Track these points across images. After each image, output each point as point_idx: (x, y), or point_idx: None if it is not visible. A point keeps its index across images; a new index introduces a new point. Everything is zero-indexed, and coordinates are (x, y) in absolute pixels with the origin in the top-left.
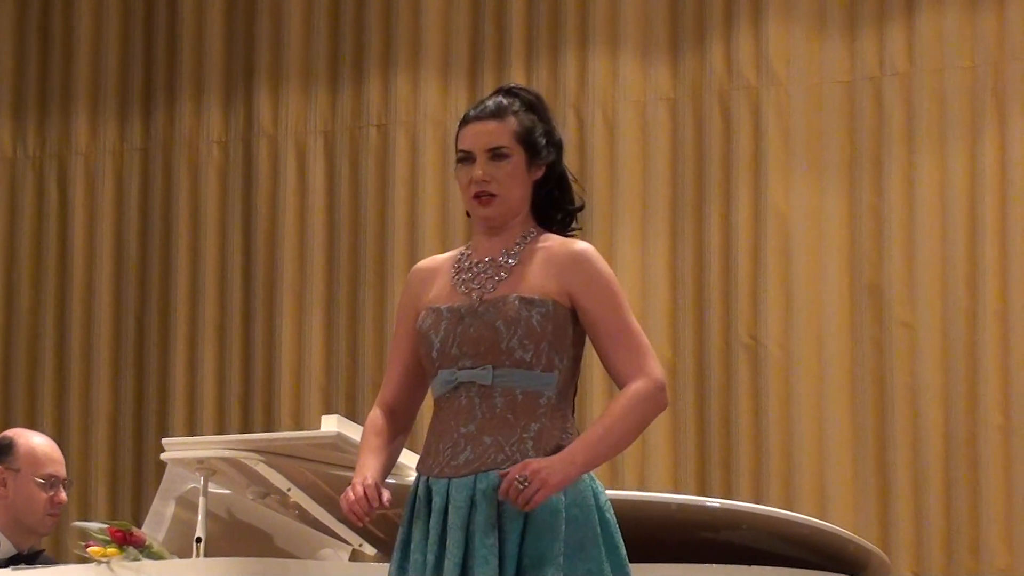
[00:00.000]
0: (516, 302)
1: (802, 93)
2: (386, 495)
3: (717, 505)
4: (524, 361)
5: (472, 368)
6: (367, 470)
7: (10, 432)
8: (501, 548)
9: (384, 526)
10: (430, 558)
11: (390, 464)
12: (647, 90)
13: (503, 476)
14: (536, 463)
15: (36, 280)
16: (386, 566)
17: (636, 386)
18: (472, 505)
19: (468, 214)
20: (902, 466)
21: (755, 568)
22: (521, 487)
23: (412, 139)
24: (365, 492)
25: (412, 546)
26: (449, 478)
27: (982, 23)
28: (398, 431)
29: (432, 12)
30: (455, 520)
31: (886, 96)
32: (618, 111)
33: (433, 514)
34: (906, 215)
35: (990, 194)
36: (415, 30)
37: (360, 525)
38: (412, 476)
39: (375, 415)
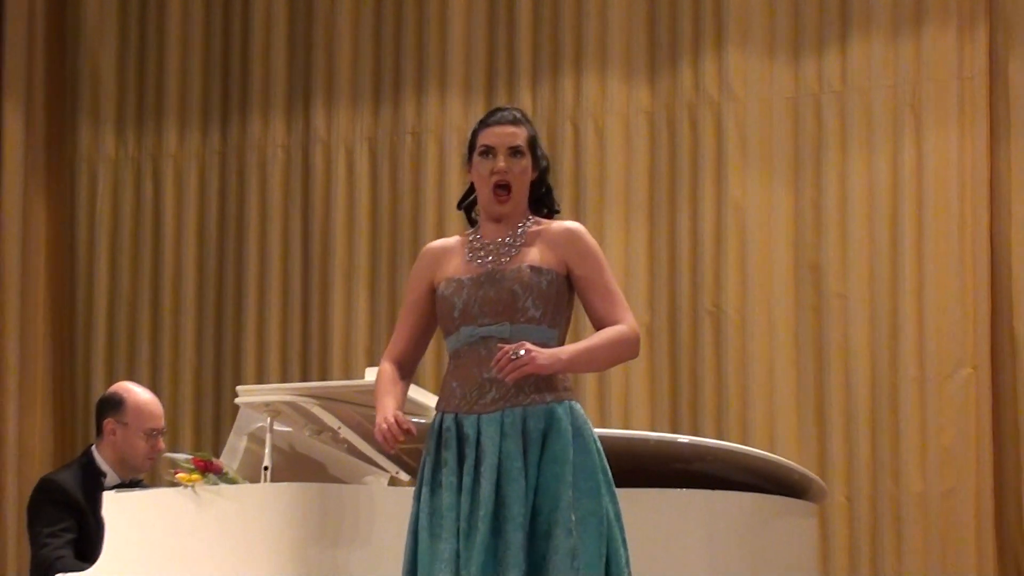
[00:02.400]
0: (528, 270)
1: (756, 107)
2: (412, 426)
3: (686, 441)
4: (535, 318)
5: (492, 324)
6: (388, 408)
7: (120, 389)
8: (526, 470)
9: (416, 457)
10: (466, 480)
11: (402, 403)
12: (630, 105)
13: (501, 348)
14: (530, 345)
15: (135, 260)
16: None
17: (622, 328)
18: (502, 435)
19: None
20: (836, 410)
21: (718, 492)
22: (514, 358)
23: (440, 145)
24: (396, 421)
25: (444, 470)
26: (479, 414)
27: (902, 50)
28: (404, 377)
29: (456, 41)
30: (489, 448)
31: (824, 110)
32: (606, 122)
33: (467, 444)
34: (840, 207)
35: (908, 190)
36: (442, 55)
37: (391, 450)
38: (431, 416)
39: (385, 367)
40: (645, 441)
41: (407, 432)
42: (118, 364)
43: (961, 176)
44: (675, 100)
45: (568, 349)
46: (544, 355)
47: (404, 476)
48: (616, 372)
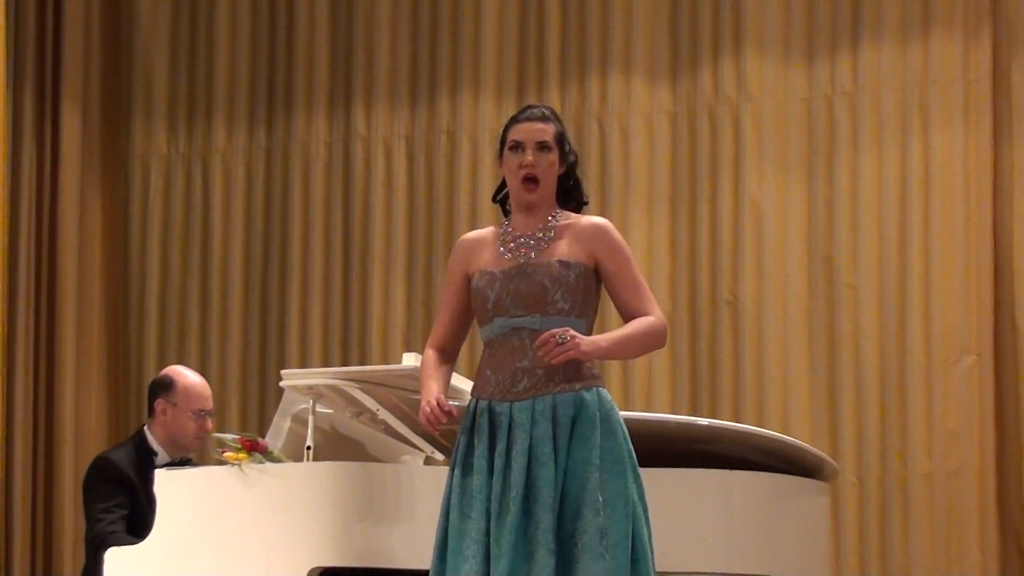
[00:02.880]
0: (557, 265)
1: (772, 108)
2: (451, 406)
3: (705, 423)
4: (564, 310)
5: (523, 316)
6: (432, 392)
7: (171, 372)
8: (555, 455)
9: (450, 438)
10: (498, 463)
11: (446, 387)
12: (653, 105)
13: (562, 331)
14: (574, 332)
15: (185, 250)
16: None
17: (653, 320)
18: (532, 422)
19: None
20: (847, 394)
21: (735, 472)
22: (559, 342)
23: (473, 143)
24: (439, 405)
25: (476, 453)
26: (511, 402)
27: (910, 55)
28: (446, 362)
29: (489, 44)
30: (520, 434)
31: (836, 110)
32: (631, 122)
33: (499, 430)
34: (851, 202)
35: (916, 186)
36: (475, 58)
37: (435, 432)
38: (461, 401)
39: (429, 353)
40: (666, 423)
41: (448, 414)
42: (168, 349)
43: (966, 173)
44: (695, 101)
45: (607, 337)
46: (586, 341)
47: (439, 456)
48: (640, 359)
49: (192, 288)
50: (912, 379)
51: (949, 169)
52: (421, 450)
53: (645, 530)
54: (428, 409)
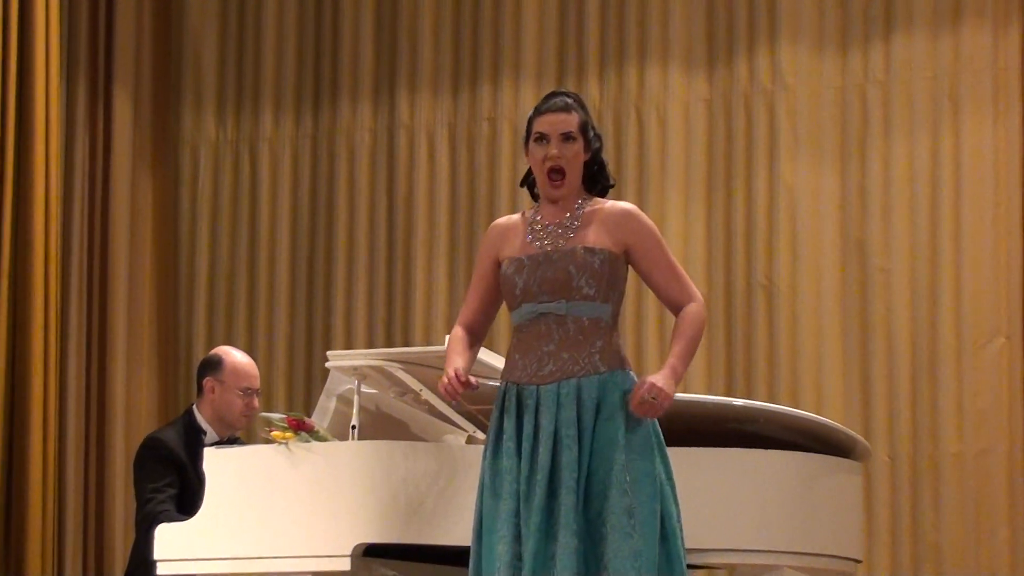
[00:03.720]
0: (582, 251)
1: (806, 96)
2: (474, 380)
3: (740, 404)
4: (589, 296)
5: (550, 302)
6: (453, 364)
7: (219, 350)
8: (580, 437)
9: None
10: (525, 446)
11: (471, 362)
12: (690, 94)
13: (637, 392)
14: (657, 381)
15: (233, 235)
16: None
17: (691, 309)
18: (558, 405)
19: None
20: (879, 375)
21: (770, 451)
22: (652, 400)
23: (514, 130)
24: (456, 376)
25: (505, 436)
26: (537, 385)
27: (941, 44)
28: (474, 342)
29: (529, 34)
30: (546, 417)
31: (869, 99)
32: (668, 109)
33: (526, 413)
34: (884, 188)
35: (947, 173)
36: (516, 46)
37: (453, 401)
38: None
39: (456, 331)
40: (702, 404)
41: (466, 385)
42: (217, 331)
43: (995, 160)
44: (731, 90)
45: (677, 363)
46: (669, 384)
47: (481, 435)
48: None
49: (240, 271)
50: (943, 361)
51: (979, 155)
52: (464, 430)
53: (674, 508)
54: (445, 380)
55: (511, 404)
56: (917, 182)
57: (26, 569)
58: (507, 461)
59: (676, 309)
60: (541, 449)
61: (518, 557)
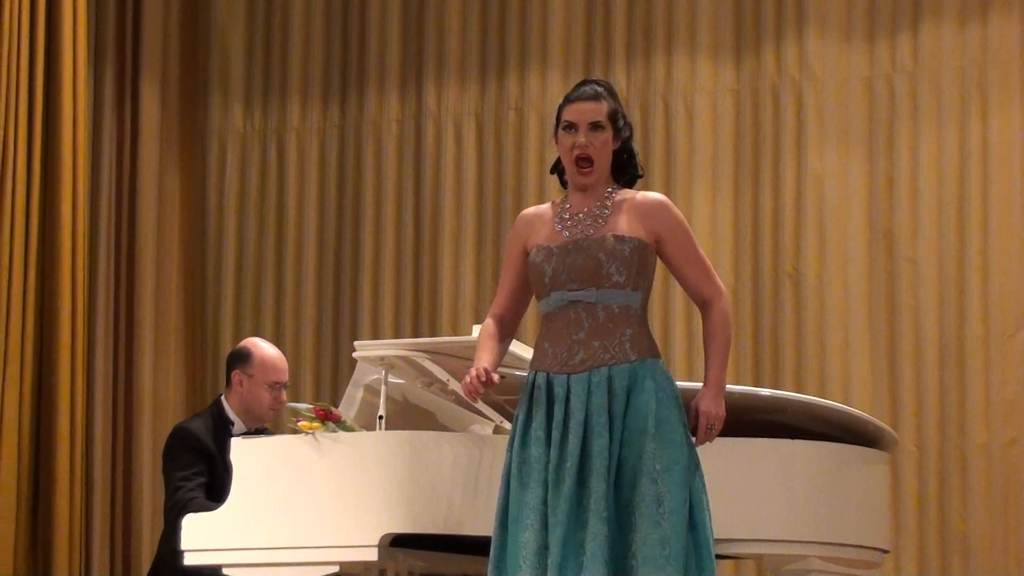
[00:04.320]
0: (613, 239)
1: (833, 86)
2: (495, 377)
3: (767, 394)
4: (619, 283)
5: (579, 290)
6: (481, 361)
7: (249, 344)
8: (610, 425)
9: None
10: (555, 434)
11: (499, 357)
12: (717, 83)
13: (695, 426)
14: (712, 409)
15: (261, 225)
16: None
17: (719, 312)
18: (588, 393)
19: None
20: (907, 366)
21: (797, 441)
22: (712, 429)
23: (541, 120)
24: (477, 376)
25: (534, 424)
26: (568, 374)
27: (970, 34)
28: (505, 334)
29: (556, 22)
30: (576, 405)
31: (897, 89)
32: (695, 99)
33: (556, 402)
34: (911, 178)
35: (974, 163)
36: (543, 35)
37: (474, 401)
38: (524, 371)
39: (487, 323)
40: (729, 393)
41: (487, 384)
42: (244, 321)
43: (1023, 149)
44: (759, 79)
45: (718, 375)
46: (720, 405)
47: (507, 425)
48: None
49: (267, 262)
50: (970, 351)
51: (1006, 145)
52: (490, 420)
53: (703, 497)
54: (467, 379)
55: (540, 393)
56: (945, 172)
57: (54, 558)
58: (536, 450)
59: (702, 303)
60: (571, 437)
61: (545, 546)
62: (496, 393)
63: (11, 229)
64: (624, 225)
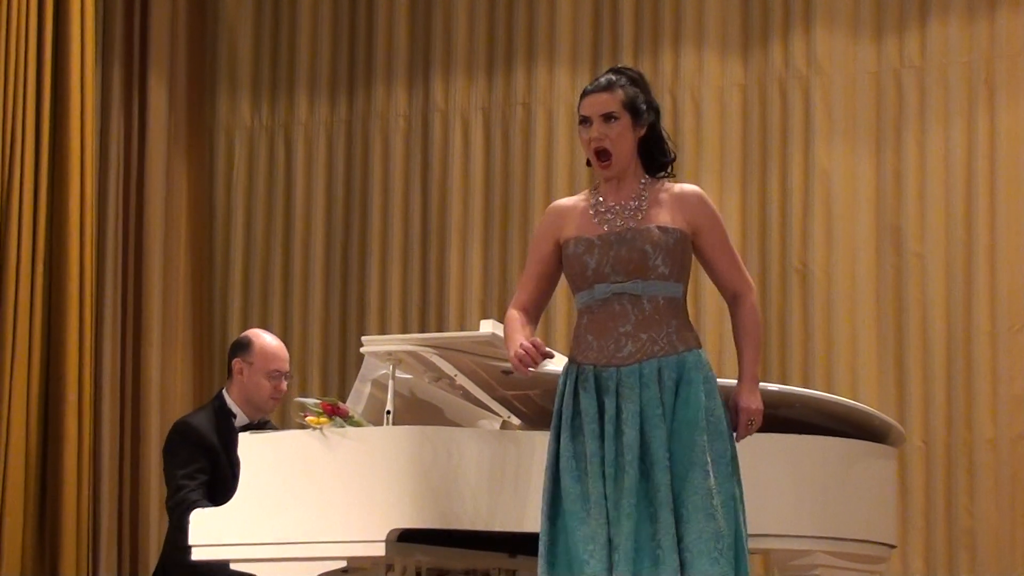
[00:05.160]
0: (657, 231)
1: (841, 81)
2: (544, 347)
3: (775, 388)
4: (664, 275)
5: (625, 281)
6: (520, 338)
7: (249, 332)
8: (664, 418)
9: (526, 403)
10: (608, 428)
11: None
12: (724, 78)
13: (737, 423)
14: (752, 403)
15: (268, 220)
16: (527, 433)
17: (749, 306)
18: (641, 385)
19: (588, 163)
20: (914, 361)
21: (805, 436)
22: (752, 424)
23: (548, 115)
24: (533, 345)
25: (584, 418)
26: (618, 367)
27: (977, 29)
28: (529, 322)
29: (563, 17)
30: (630, 397)
31: (904, 84)
32: (703, 94)
33: (607, 395)
34: (919, 173)
35: (982, 158)
36: (551, 30)
37: (527, 373)
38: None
39: (512, 312)
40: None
41: (545, 355)
42: (252, 316)
43: None
44: (766, 74)
45: (753, 370)
46: (758, 400)
47: (515, 421)
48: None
49: (275, 256)
50: (977, 346)
51: (1014, 140)
52: (498, 415)
53: (740, 490)
54: (522, 351)
55: (589, 385)
56: (952, 167)
57: (61, 554)
58: (591, 444)
59: (732, 295)
60: (628, 429)
61: (610, 540)
62: (505, 388)
63: (19, 224)
64: (665, 216)
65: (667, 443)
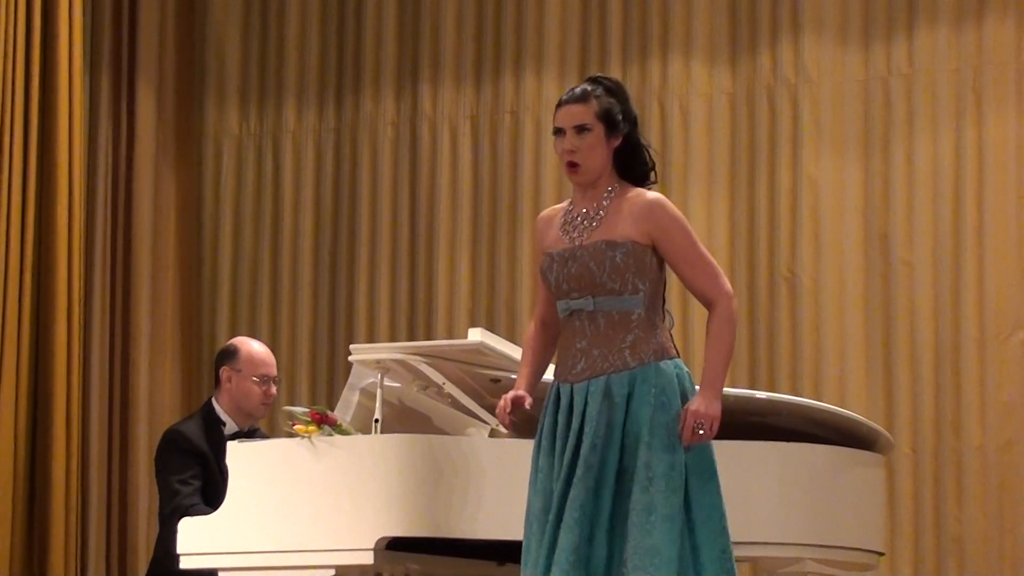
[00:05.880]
0: (603, 246)
1: (829, 89)
2: (528, 402)
3: (764, 396)
4: (615, 290)
5: (579, 298)
6: (519, 384)
7: (235, 340)
8: (610, 434)
9: (515, 411)
10: (558, 444)
11: (542, 368)
12: (713, 86)
13: (682, 426)
14: (706, 409)
15: (256, 228)
16: (516, 441)
17: (720, 309)
18: (586, 403)
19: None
20: (902, 368)
21: (793, 444)
22: (700, 430)
23: (536, 122)
24: (504, 407)
25: (545, 433)
26: (572, 383)
27: (965, 37)
28: (549, 339)
29: (552, 24)
30: (576, 414)
31: (892, 91)
32: (691, 102)
33: (561, 411)
34: (907, 181)
35: (970, 165)
36: (539, 38)
37: (505, 427)
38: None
39: (531, 330)
40: (725, 396)
41: (517, 408)
42: (240, 324)
43: (1019, 152)
44: (754, 82)
45: (714, 377)
46: (713, 406)
47: (503, 429)
48: (698, 332)
49: (263, 265)
50: (966, 353)
51: (1002, 148)
52: (486, 423)
53: (708, 499)
54: (498, 408)
55: (551, 401)
56: (940, 175)
57: (50, 561)
58: (542, 459)
59: (706, 302)
60: (569, 447)
61: (550, 552)
62: (493, 396)
63: (7, 232)
64: (617, 228)
65: (609, 461)
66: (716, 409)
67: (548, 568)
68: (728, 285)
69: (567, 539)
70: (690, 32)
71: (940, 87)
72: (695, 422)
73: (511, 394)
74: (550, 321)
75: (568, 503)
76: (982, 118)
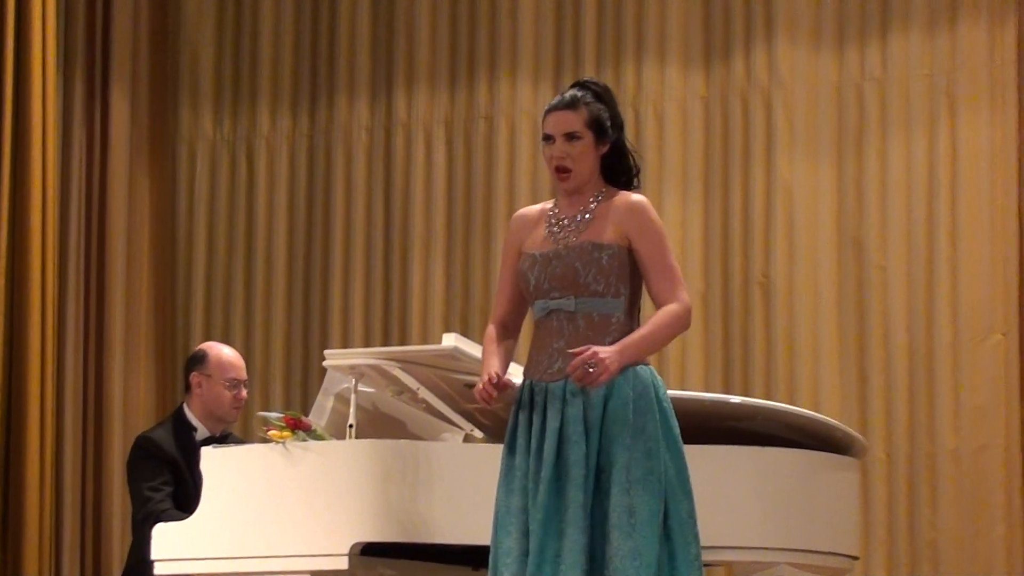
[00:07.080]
0: (590, 247)
1: (803, 93)
2: (509, 380)
3: (738, 401)
4: (598, 292)
5: (559, 299)
6: (491, 367)
7: (204, 346)
8: (588, 434)
9: (489, 416)
10: (533, 443)
11: (507, 362)
12: (687, 91)
13: (577, 356)
14: (601, 351)
15: (231, 233)
16: (490, 446)
17: (672, 307)
18: (563, 402)
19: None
20: (877, 372)
21: (767, 449)
22: (589, 369)
23: (511, 127)
24: (489, 380)
25: (519, 432)
26: (547, 382)
27: (938, 42)
28: (508, 338)
29: (527, 30)
30: (552, 414)
31: (866, 96)
32: (665, 107)
33: (535, 410)
34: (881, 186)
35: (943, 170)
36: (514, 43)
37: (489, 406)
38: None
39: (490, 330)
40: (699, 401)
41: (501, 388)
42: (214, 329)
43: (992, 156)
44: (728, 87)
45: (631, 344)
46: (614, 358)
47: (478, 434)
48: (673, 344)
49: (237, 270)
50: (940, 358)
51: (975, 153)
52: (461, 428)
53: (683, 505)
54: (480, 386)
55: (526, 401)
56: (914, 179)
57: (24, 567)
58: (519, 458)
59: (660, 306)
60: (546, 446)
61: (525, 553)
62: (467, 402)
63: None
64: (604, 231)
65: (586, 461)
66: (616, 365)
67: (539, 567)
68: (688, 298)
69: (579, 541)
70: (664, 37)
71: (914, 92)
72: (590, 361)
73: (491, 373)
74: (509, 322)
75: (570, 506)
76: (955, 123)
